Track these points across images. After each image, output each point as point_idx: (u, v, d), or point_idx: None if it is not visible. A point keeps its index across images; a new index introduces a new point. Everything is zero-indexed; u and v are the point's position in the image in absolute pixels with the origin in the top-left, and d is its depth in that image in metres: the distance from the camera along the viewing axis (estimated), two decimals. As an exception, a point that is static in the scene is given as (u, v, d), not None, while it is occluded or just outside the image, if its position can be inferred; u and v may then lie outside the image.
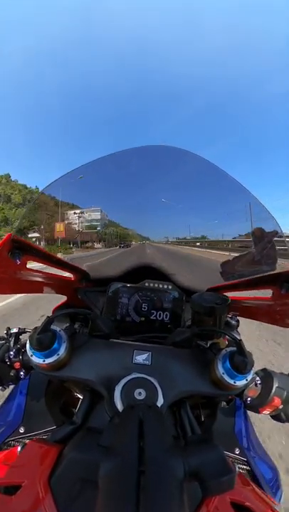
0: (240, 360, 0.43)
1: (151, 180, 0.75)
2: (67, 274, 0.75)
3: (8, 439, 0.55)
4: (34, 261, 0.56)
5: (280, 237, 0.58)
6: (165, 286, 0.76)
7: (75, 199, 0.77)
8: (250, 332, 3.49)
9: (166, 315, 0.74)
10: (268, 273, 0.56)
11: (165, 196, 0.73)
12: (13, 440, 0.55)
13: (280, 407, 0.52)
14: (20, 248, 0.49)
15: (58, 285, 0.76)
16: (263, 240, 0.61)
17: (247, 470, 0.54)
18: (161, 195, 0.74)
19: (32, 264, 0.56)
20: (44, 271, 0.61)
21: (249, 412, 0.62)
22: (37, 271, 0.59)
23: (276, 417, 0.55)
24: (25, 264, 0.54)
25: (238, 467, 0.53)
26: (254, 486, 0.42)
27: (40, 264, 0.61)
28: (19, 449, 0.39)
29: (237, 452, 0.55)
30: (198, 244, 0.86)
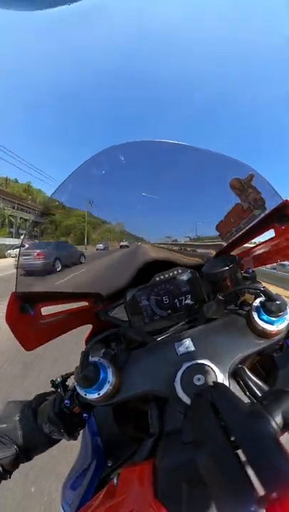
0: (273, 305, 0.43)
1: (148, 177, 0.73)
2: (82, 304, 0.75)
3: (101, 478, 0.55)
4: (47, 305, 0.56)
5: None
6: (175, 272, 0.76)
7: (81, 203, 0.74)
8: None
9: (189, 297, 0.74)
10: (262, 215, 0.56)
11: (164, 194, 0.72)
12: (106, 476, 0.55)
13: None
14: (29, 300, 0.49)
15: (78, 317, 0.76)
16: (244, 188, 0.61)
17: None
18: (158, 193, 0.72)
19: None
20: (60, 311, 0.61)
21: None
22: (54, 314, 0.59)
23: None
24: (40, 311, 0.54)
25: None
26: None
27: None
28: (115, 481, 0.39)
29: None
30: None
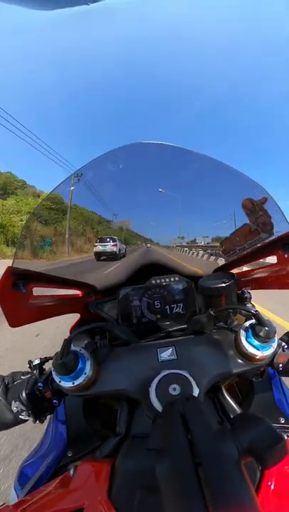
0: (262, 330, 0.43)
1: (150, 178, 0.74)
2: (74, 292, 0.75)
3: (58, 466, 0.55)
4: (39, 287, 0.56)
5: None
6: (172, 279, 0.76)
7: (83, 201, 0.75)
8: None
9: (180, 306, 0.74)
10: (268, 240, 0.56)
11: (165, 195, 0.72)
12: (63, 465, 0.55)
13: None
14: (23, 278, 0.49)
15: (68, 305, 0.76)
16: (255, 209, 0.61)
17: None
18: (158, 194, 0.73)
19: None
20: (52, 294, 0.61)
21: (285, 379, 0.62)
22: (45, 296, 0.59)
23: None
24: (32, 291, 0.54)
25: (287, 435, 0.54)
26: None
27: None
28: (71, 472, 0.39)
29: (282, 421, 0.56)
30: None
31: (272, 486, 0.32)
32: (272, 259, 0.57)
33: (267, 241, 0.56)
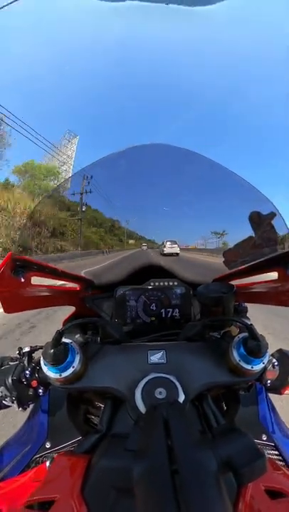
0: (254, 345, 0.43)
1: (155, 180, 0.74)
2: (72, 285, 0.75)
3: (35, 456, 0.55)
4: (38, 276, 0.56)
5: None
6: (171, 283, 0.76)
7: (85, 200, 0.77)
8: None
9: (176, 311, 0.74)
10: (271, 256, 0.56)
11: (168, 197, 0.73)
12: (40, 456, 0.55)
13: None
14: (23, 265, 0.49)
15: (64, 297, 0.76)
16: (262, 223, 0.60)
17: (276, 455, 0.54)
18: (163, 196, 0.73)
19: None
20: (49, 285, 0.62)
21: (272, 396, 0.62)
22: (42, 286, 0.59)
23: None
24: (30, 280, 0.54)
25: (267, 453, 0.53)
26: (285, 470, 0.42)
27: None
28: (48, 464, 0.39)
29: (264, 438, 0.56)
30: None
31: (247, 503, 0.32)
32: (272, 275, 0.57)
33: (269, 256, 0.56)
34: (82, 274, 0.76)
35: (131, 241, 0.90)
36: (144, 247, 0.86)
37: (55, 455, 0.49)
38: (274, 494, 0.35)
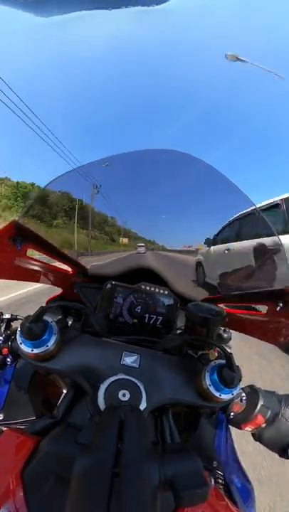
0: (228, 374, 0.42)
1: (154, 184, 0.75)
2: (65, 267, 0.75)
3: None
4: (35, 249, 0.56)
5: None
6: (161, 291, 0.76)
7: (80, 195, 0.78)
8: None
9: (159, 320, 0.74)
10: (265, 289, 0.56)
11: (166, 200, 0.74)
12: None
13: (263, 425, 0.51)
14: (23, 235, 0.50)
15: (55, 277, 0.76)
16: (265, 255, 0.61)
17: (222, 485, 0.53)
18: (162, 200, 0.74)
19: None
20: (43, 261, 0.62)
21: (232, 428, 0.61)
22: (36, 260, 0.59)
23: (257, 436, 0.55)
24: (25, 251, 0.54)
25: (214, 481, 0.53)
26: (228, 502, 0.41)
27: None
28: None
29: (214, 465, 0.55)
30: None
31: None
32: (262, 308, 0.57)
33: (263, 289, 0.56)
34: (78, 259, 0.76)
35: (125, 240, 0.91)
36: (142, 249, 0.86)
37: (4, 428, 0.49)
38: None
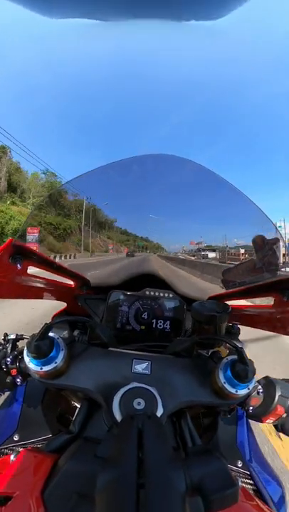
0: (242, 369, 0.42)
1: (151, 188, 0.76)
2: (67, 281, 0.75)
3: (1, 447, 0.53)
4: (35, 266, 0.56)
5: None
6: (166, 295, 0.76)
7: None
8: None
9: (167, 323, 0.73)
10: (270, 280, 0.56)
11: (165, 203, 0.74)
12: (6, 448, 0.53)
13: (284, 415, 0.50)
14: (21, 253, 0.49)
15: (58, 291, 0.75)
16: (264, 247, 0.60)
17: (250, 484, 0.52)
18: (159, 204, 0.75)
19: (33, 270, 0.57)
20: (45, 277, 0.61)
21: (253, 423, 0.60)
22: (37, 277, 0.59)
23: (279, 427, 0.54)
24: (26, 269, 0.54)
25: (241, 481, 0.51)
26: (258, 502, 0.40)
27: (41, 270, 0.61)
28: (12, 457, 0.38)
29: (239, 465, 0.54)
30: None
31: None
32: (269, 300, 0.56)
33: (268, 281, 0.56)
34: (79, 272, 0.76)
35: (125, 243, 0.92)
36: (142, 254, 0.87)
37: (21, 449, 0.48)
38: None
